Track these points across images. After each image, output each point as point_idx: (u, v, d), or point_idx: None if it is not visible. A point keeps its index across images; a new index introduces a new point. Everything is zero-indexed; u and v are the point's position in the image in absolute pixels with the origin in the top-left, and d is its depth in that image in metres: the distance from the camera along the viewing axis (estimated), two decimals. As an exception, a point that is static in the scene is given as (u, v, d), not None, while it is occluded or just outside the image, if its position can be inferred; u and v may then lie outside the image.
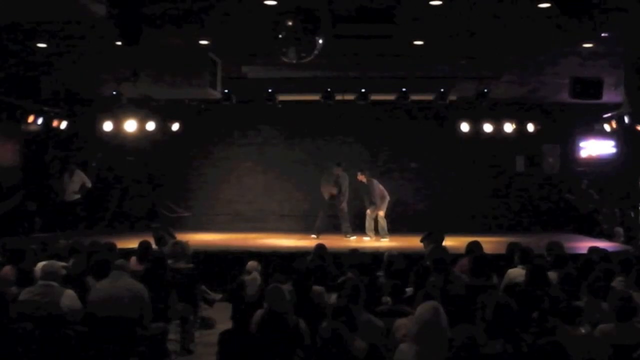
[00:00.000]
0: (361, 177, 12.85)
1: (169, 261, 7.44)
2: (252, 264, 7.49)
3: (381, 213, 12.66)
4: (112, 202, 15.42)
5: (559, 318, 4.65)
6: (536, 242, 9.81)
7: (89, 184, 13.91)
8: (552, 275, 6.09)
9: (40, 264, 6.19)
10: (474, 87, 12.65)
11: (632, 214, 14.05)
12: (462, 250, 7.84)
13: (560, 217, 15.03)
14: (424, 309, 4.13)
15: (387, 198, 12.80)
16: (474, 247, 7.76)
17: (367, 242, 12.32)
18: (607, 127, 13.75)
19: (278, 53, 8.00)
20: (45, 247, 7.73)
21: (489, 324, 4.18)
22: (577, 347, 4.07)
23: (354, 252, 7.53)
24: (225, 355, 4.27)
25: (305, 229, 13.51)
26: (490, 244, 9.39)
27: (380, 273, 6.98)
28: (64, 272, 5.99)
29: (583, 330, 4.62)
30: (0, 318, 4.96)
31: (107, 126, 14.47)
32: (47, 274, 5.73)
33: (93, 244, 7.93)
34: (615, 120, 13.04)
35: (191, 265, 7.77)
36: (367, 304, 5.21)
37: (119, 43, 8.41)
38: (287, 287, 5.52)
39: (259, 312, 4.95)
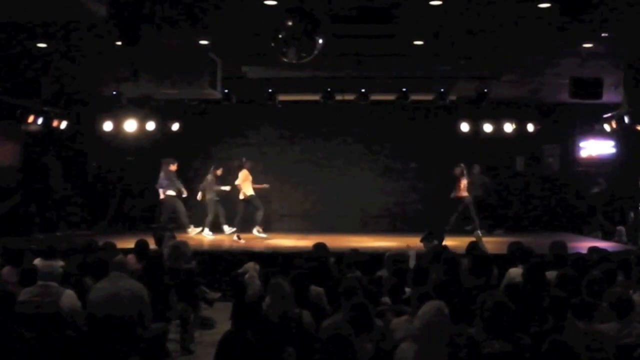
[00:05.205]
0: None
1: (169, 261, 7.45)
2: (249, 264, 7.47)
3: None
4: (112, 202, 15.43)
5: (567, 314, 4.67)
6: (536, 242, 9.83)
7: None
8: (552, 274, 6.09)
9: (37, 263, 6.19)
10: (474, 87, 12.64)
11: (632, 214, 14.05)
12: (462, 250, 7.85)
13: (560, 217, 15.05)
14: (427, 308, 4.12)
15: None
16: (474, 247, 7.77)
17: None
18: (607, 127, 13.75)
19: (278, 53, 7.99)
20: (45, 247, 7.69)
21: (487, 323, 4.18)
22: (581, 344, 4.07)
23: (355, 252, 7.53)
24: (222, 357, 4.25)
25: (305, 229, 13.51)
26: (490, 244, 9.40)
27: (380, 273, 6.98)
28: (61, 271, 5.99)
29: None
30: (5, 317, 4.96)
31: (107, 126, 14.48)
32: (46, 274, 5.72)
33: (92, 244, 7.92)
34: (615, 120, 13.03)
35: (191, 265, 7.77)
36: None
37: (119, 43, 8.40)
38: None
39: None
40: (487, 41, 9.83)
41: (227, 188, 13.26)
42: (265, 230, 13.19)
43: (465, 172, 13.79)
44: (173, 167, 13.21)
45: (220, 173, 13.45)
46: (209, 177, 13.40)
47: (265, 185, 13.32)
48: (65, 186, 15.01)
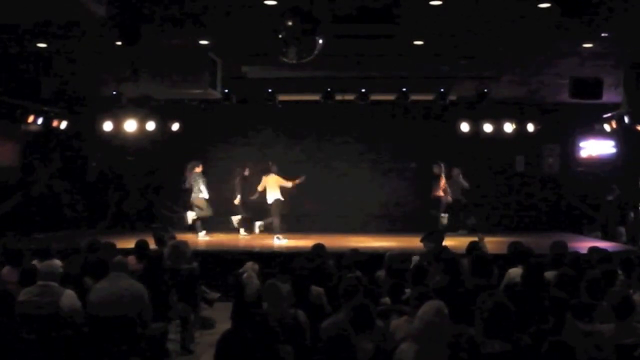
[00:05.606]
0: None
1: (169, 261, 7.45)
2: (248, 264, 7.47)
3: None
4: (112, 202, 15.43)
5: (569, 313, 4.68)
6: (536, 242, 9.82)
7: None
8: (552, 275, 6.09)
9: (35, 264, 6.19)
10: (474, 87, 12.64)
11: (632, 214, 14.04)
12: (462, 250, 7.85)
13: (560, 217, 15.05)
14: (427, 308, 4.12)
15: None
16: (474, 247, 7.76)
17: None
18: (607, 127, 13.75)
19: (278, 53, 7.99)
20: (39, 248, 7.68)
21: (487, 323, 4.18)
22: (580, 345, 4.07)
23: (355, 252, 7.52)
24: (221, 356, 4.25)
25: (305, 229, 13.50)
26: (490, 244, 9.38)
27: (380, 273, 6.98)
28: (61, 271, 5.99)
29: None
30: (5, 317, 4.96)
31: (107, 126, 14.49)
32: (46, 274, 5.72)
33: (92, 244, 7.92)
34: (615, 120, 13.04)
35: (191, 265, 7.76)
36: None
37: (119, 43, 8.41)
38: (286, 288, 5.52)
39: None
40: (487, 41, 9.83)
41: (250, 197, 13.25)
42: (265, 230, 13.20)
43: (443, 171, 13.73)
44: (198, 169, 13.11)
45: (248, 173, 13.36)
46: (237, 179, 13.32)
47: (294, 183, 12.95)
48: (65, 186, 15.02)
